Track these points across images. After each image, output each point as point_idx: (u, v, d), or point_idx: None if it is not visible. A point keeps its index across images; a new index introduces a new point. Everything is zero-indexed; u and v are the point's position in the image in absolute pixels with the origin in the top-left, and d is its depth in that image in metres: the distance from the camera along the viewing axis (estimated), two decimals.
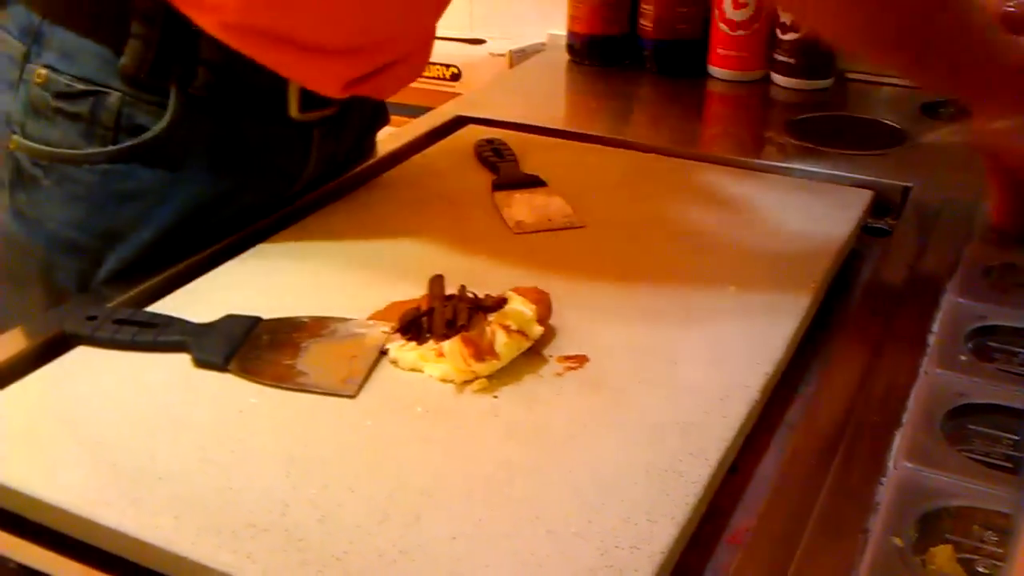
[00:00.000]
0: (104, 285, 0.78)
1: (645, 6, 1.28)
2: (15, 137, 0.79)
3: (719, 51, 1.26)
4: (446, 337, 0.63)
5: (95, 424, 0.58)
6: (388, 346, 0.65)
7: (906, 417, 0.57)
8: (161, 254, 0.78)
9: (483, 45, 1.51)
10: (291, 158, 0.86)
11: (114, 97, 0.76)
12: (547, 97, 1.27)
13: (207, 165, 0.80)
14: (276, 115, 0.82)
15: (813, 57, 1.21)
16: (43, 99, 0.77)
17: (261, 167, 0.84)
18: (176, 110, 0.77)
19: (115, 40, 0.75)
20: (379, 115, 0.99)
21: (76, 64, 0.76)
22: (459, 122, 1.09)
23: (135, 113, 0.77)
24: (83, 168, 0.77)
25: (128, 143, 0.77)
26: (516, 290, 0.67)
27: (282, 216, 0.85)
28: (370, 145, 1.01)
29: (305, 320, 0.68)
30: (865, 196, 0.88)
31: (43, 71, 0.77)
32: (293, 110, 0.82)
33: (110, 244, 0.79)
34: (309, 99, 0.82)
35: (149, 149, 0.77)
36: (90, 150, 0.77)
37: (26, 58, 0.78)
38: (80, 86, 0.76)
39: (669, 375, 0.63)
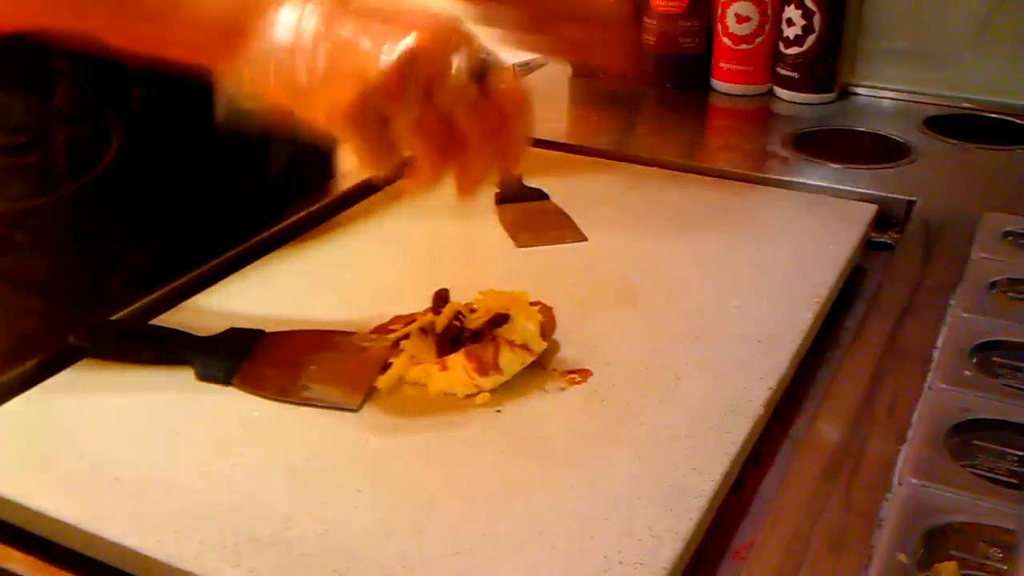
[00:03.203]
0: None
1: (648, 20, 1.28)
2: None
3: (722, 65, 1.26)
4: (451, 351, 0.63)
5: (98, 437, 0.58)
6: (391, 360, 0.65)
7: (911, 432, 0.57)
8: (159, 272, 0.77)
9: None
10: (250, 150, 0.85)
11: (59, 138, 0.75)
12: (550, 110, 1.26)
13: (169, 178, 0.79)
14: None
15: (817, 71, 1.21)
16: None
17: (224, 165, 0.83)
18: (120, 134, 0.76)
19: (44, 83, 0.74)
20: None
21: (12, 117, 0.75)
22: None
23: (84, 147, 0.76)
24: (50, 215, 0.77)
25: (85, 179, 0.76)
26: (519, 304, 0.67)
27: (284, 230, 0.85)
28: (331, 151, 0.99)
29: (308, 334, 0.68)
30: (869, 210, 0.88)
31: None
32: None
33: (104, 277, 0.78)
34: None
35: (107, 179, 0.76)
36: (51, 196, 0.76)
37: None
38: (23, 137, 0.75)
39: (673, 390, 0.63)
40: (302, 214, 0.87)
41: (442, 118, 0.54)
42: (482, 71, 0.55)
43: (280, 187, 0.89)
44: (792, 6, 1.19)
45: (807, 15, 1.18)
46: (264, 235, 0.83)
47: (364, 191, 0.93)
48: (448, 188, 0.59)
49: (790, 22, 1.20)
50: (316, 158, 0.93)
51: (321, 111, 0.54)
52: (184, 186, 0.80)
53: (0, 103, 0.76)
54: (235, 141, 0.82)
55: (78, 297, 0.79)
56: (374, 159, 0.56)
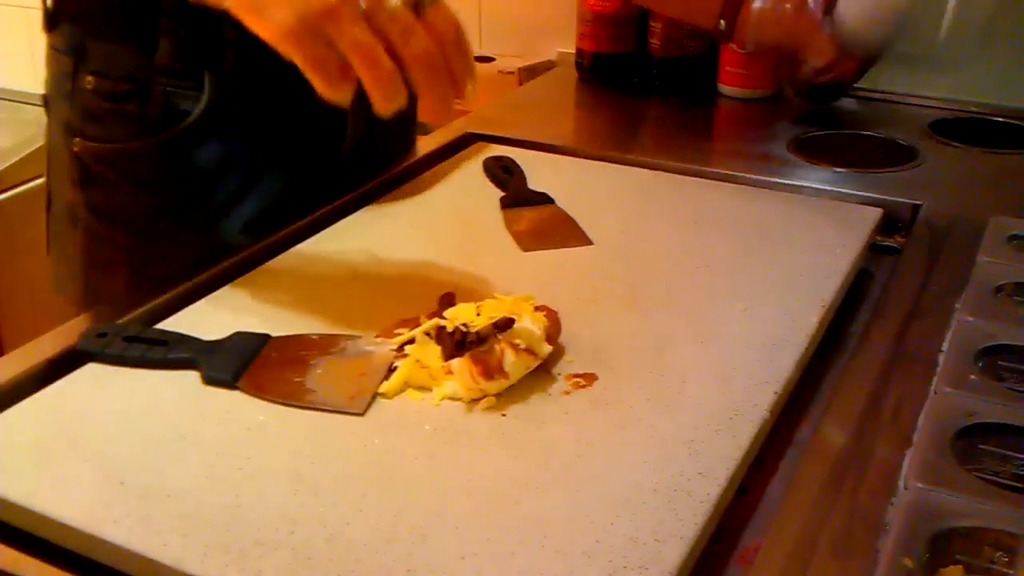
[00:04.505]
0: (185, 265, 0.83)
1: (653, 24, 1.28)
2: (77, 140, 0.87)
3: (728, 69, 1.26)
4: (456, 355, 0.63)
5: (104, 441, 0.58)
6: (396, 363, 0.65)
7: (916, 436, 0.57)
8: (229, 229, 0.87)
9: (492, 63, 1.51)
10: (330, 121, 0.92)
11: (157, 90, 0.84)
12: (556, 115, 1.27)
13: (250, 138, 0.88)
14: (308, 82, 0.86)
15: None
16: (95, 102, 0.85)
17: (302, 133, 0.90)
18: (212, 91, 0.85)
19: (148, 40, 0.83)
20: None
21: (119, 67, 0.85)
22: (468, 139, 1.09)
23: (178, 100, 0.85)
24: (142, 158, 0.86)
25: (176, 128, 0.85)
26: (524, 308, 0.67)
27: (290, 233, 0.85)
28: (411, 118, 1.04)
29: (314, 337, 0.68)
30: (874, 214, 0.88)
31: (91, 78, 0.85)
32: None
33: (181, 223, 0.88)
34: None
35: (196, 130, 0.85)
36: (144, 140, 0.85)
37: (76, 70, 0.86)
38: (126, 86, 0.84)
39: (678, 394, 0.63)
40: (307, 219, 0.87)
41: (379, 39, 0.60)
42: (417, 4, 0.61)
43: (353, 158, 0.96)
44: None
45: None
46: (269, 240, 0.83)
47: (369, 196, 0.93)
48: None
49: None
50: (391, 133, 1.02)
51: (267, 28, 0.61)
52: (264, 144, 0.89)
53: (112, 52, 0.85)
54: (316, 109, 0.88)
55: (159, 237, 0.89)
56: (322, 79, 0.60)
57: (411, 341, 0.66)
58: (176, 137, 0.86)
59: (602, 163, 1.02)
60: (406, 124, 1.06)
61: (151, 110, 0.85)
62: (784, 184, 0.97)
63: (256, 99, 0.87)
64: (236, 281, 0.77)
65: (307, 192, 0.91)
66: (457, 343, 0.64)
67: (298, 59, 0.60)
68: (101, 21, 0.85)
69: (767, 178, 0.99)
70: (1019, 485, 0.53)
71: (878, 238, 0.88)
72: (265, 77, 0.86)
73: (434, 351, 0.64)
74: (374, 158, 0.99)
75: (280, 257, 0.80)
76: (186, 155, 0.86)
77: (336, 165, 0.95)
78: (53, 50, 0.89)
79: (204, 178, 0.88)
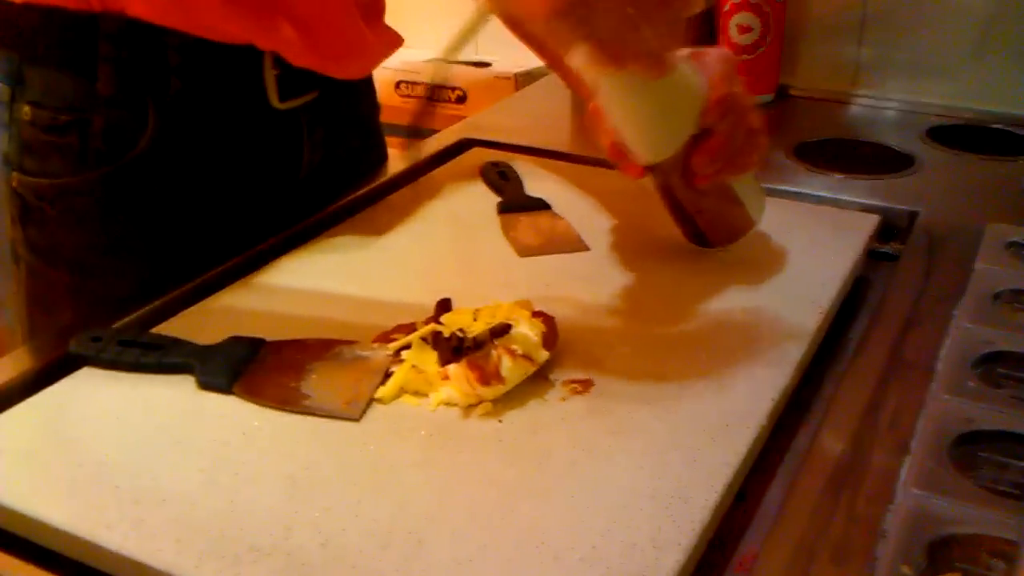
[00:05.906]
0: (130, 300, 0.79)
1: None
2: (15, 174, 0.82)
3: None
4: (452, 360, 0.63)
5: (98, 445, 0.58)
6: (393, 369, 0.64)
7: (914, 444, 0.57)
8: (181, 262, 0.81)
9: (489, 68, 1.51)
10: (284, 148, 0.88)
11: (98, 121, 0.79)
12: (553, 120, 1.27)
13: (201, 168, 0.83)
14: (258, 109, 0.84)
15: None
16: (34, 135, 0.80)
17: (254, 162, 0.86)
18: (156, 121, 0.79)
19: (88, 67, 0.78)
20: (368, 96, 1.01)
21: (57, 96, 0.79)
22: (465, 144, 1.09)
23: (121, 132, 0.79)
24: (84, 193, 0.80)
25: (119, 161, 0.79)
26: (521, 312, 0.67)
27: (287, 237, 0.85)
28: (376, 134, 1.03)
29: (310, 342, 0.68)
30: (872, 220, 0.88)
31: (28, 108, 0.80)
32: (274, 100, 0.84)
33: (127, 260, 0.82)
34: (288, 87, 0.85)
35: (140, 163, 0.80)
36: (86, 175, 0.80)
37: (12, 99, 0.80)
38: (65, 116, 0.79)
39: (675, 400, 0.63)
40: (304, 224, 0.87)
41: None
42: None
43: (311, 182, 0.92)
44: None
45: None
46: (266, 244, 0.83)
47: (365, 200, 0.93)
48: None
49: None
50: (357, 149, 0.98)
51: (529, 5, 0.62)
52: (215, 176, 0.84)
53: (50, 80, 0.80)
54: (268, 128, 0.86)
55: (104, 275, 0.83)
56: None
57: (408, 346, 0.65)
58: (119, 171, 0.80)
59: (599, 168, 1.02)
60: (372, 136, 1.03)
61: (92, 142, 0.79)
62: (781, 190, 0.97)
63: (203, 129, 0.82)
64: (231, 286, 0.77)
65: (265, 222, 0.86)
66: (454, 348, 0.64)
67: (561, 30, 0.62)
68: (37, 46, 0.79)
69: (764, 184, 0.98)
70: (1017, 492, 0.53)
71: (876, 245, 0.88)
72: (212, 105, 0.82)
73: (431, 356, 0.64)
74: (341, 177, 0.95)
75: (276, 263, 0.80)
76: (130, 190, 0.81)
77: (295, 191, 0.90)
78: None
79: (150, 214, 0.82)
